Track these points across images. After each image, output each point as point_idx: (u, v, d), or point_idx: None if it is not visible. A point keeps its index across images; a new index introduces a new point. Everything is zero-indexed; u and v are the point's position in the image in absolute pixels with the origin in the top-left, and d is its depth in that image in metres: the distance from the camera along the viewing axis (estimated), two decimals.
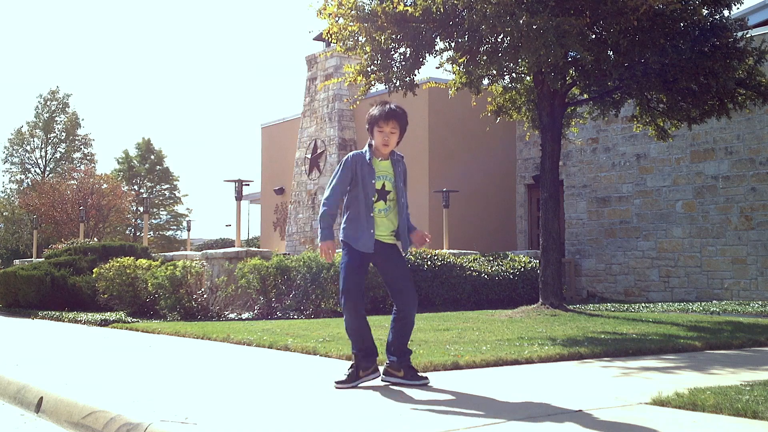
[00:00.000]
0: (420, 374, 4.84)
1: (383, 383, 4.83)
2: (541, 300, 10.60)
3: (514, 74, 11.25)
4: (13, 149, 51.60)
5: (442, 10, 9.31)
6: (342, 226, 4.90)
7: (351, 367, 4.83)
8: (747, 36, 10.39)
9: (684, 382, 4.82)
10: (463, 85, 10.59)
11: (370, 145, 4.99)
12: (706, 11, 9.89)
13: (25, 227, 42.56)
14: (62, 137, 52.53)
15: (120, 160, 53.66)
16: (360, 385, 4.77)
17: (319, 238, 4.78)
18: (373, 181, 4.84)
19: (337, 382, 4.78)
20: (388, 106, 4.94)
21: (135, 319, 11.24)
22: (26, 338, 9.51)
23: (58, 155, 52.57)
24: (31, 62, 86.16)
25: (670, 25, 9.25)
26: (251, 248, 14.82)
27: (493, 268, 14.33)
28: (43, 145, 52.25)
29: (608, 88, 10.60)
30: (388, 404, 4.21)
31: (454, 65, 10.32)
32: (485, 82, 11.25)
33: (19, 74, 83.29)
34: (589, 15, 9.24)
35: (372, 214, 4.82)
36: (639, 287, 17.40)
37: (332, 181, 4.90)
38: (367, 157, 4.90)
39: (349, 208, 4.87)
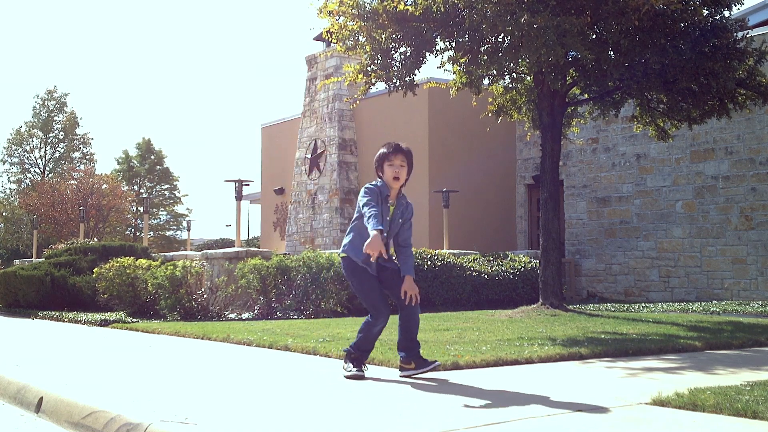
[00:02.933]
0: (429, 360, 5.19)
1: (400, 377, 5.15)
2: (541, 300, 10.60)
3: (514, 74, 11.25)
4: (12, 149, 51.59)
5: (442, 9, 9.30)
6: (346, 243, 5.21)
7: (353, 360, 5.23)
8: (747, 36, 10.39)
9: (684, 382, 4.81)
10: (463, 85, 10.58)
11: (380, 183, 5.19)
12: (707, 11, 9.88)
13: (25, 227, 42.56)
14: (61, 137, 52.52)
15: (120, 160, 53.66)
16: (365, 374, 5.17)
17: (370, 228, 4.83)
18: (387, 218, 5.14)
19: (347, 376, 5.15)
20: (395, 142, 5.23)
21: (135, 319, 11.23)
22: (26, 338, 9.51)
23: (57, 155, 52.56)
24: (29, 62, 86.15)
25: (670, 25, 9.24)
26: (251, 248, 14.82)
27: (493, 268, 14.33)
28: (42, 145, 52.25)
29: (608, 88, 10.60)
30: (388, 404, 4.21)
31: (454, 65, 10.32)
32: (485, 82, 11.25)
33: (16, 74, 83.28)
34: (590, 14, 9.24)
35: None
36: (639, 287, 17.40)
37: (365, 199, 5.05)
38: (385, 194, 5.12)
39: (355, 231, 5.15)
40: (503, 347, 6.46)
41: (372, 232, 4.71)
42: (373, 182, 5.19)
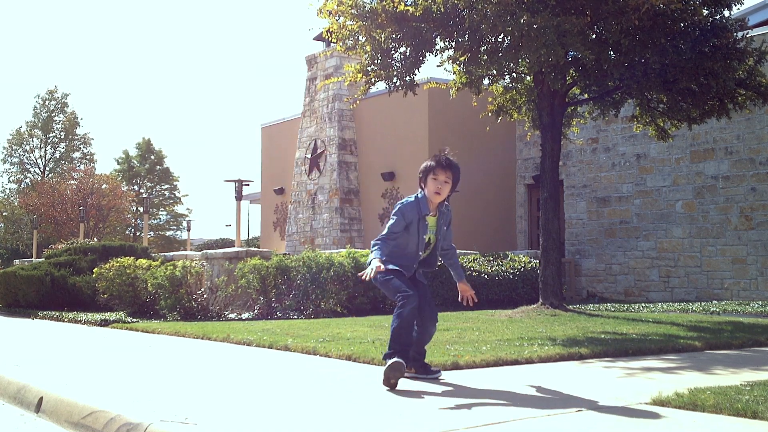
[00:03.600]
0: (432, 368, 5.14)
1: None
2: (541, 300, 10.60)
3: (514, 74, 11.25)
4: (13, 149, 51.62)
5: (442, 9, 9.30)
6: (383, 257, 4.94)
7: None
8: (747, 36, 10.39)
9: (684, 382, 4.81)
10: (463, 85, 10.58)
11: (421, 195, 5.06)
12: (707, 11, 9.88)
13: (25, 227, 42.58)
14: (61, 137, 52.55)
15: (120, 160, 53.68)
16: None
17: (370, 257, 4.87)
18: (425, 237, 5.04)
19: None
20: (445, 156, 5.04)
21: (135, 319, 11.23)
22: (26, 338, 9.51)
23: (57, 155, 52.58)
24: (29, 62, 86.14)
25: (670, 25, 9.24)
26: (251, 248, 14.82)
27: (493, 268, 14.32)
28: (42, 145, 52.27)
29: (608, 88, 10.59)
30: (388, 404, 4.21)
31: (454, 65, 10.32)
32: (485, 82, 11.25)
33: (17, 74, 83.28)
34: (590, 14, 9.24)
35: (416, 259, 5.08)
36: (639, 287, 17.40)
37: (390, 226, 5.00)
38: (424, 213, 5.02)
39: (395, 247, 5.02)
40: (503, 347, 6.46)
41: (374, 261, 4.78)
42: (413, 196, 5.05)
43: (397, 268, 4.90)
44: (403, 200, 5.08)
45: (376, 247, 4.94)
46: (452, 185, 5.03)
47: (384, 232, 5.02)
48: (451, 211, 5.22)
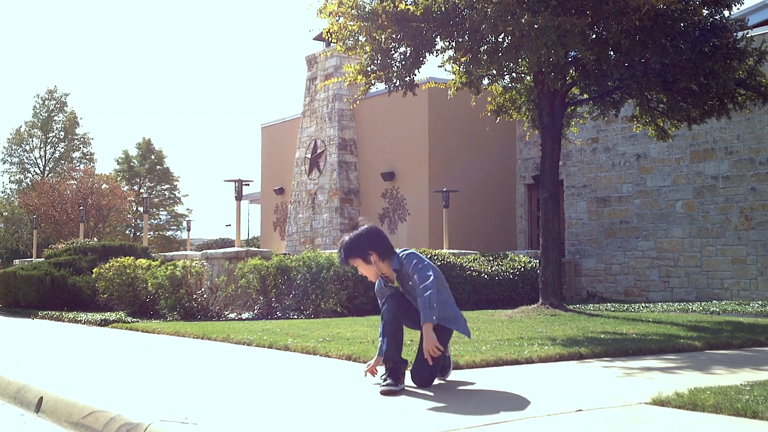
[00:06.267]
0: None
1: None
2: (541, 300, 10.59)
3: (514, 74, 11.25)
4: (12, 149, 51.60)
5: (443, 9, 9.30)
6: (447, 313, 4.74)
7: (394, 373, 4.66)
8: (747, 36, 10.39)
9: (684, 382, 4.81)
10: (463, 85, 10.58)
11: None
12: (707, 11, 9.88)
13: (25, 227, 42.58)
14: (61, 136, 52.52)
15: (120, 160, 53.66)
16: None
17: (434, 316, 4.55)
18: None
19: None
20: (341, 249, 4.74)
21: (135, 319, 11.23)
22: (26, 338, 9.51)
23: (57, 155, 52.55)
24: (29, 62, 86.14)
25: (670, 25, 9.24)
26: (251, 248, 14.82)
27: (493, 268, 14.32)
28: (42, 145, 52.25)
29: (608, 88, 10.59)
30: (388, 404, 4.21)
31: (454, 65, 10.32)
32: (485, 81, 11.25)
33: (16, 74, 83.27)
34: (590, 15, 9.23)
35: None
36: (639, 287, 17.40)
37: (433, 274, 4.63)
38: (387, 287, 4.84)
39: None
40: (503, 347, 6.46)
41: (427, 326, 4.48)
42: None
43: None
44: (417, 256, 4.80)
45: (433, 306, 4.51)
46: (365, 262, 4.69)
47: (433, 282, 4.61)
48: (409, 261, 4.66)
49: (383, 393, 4.45)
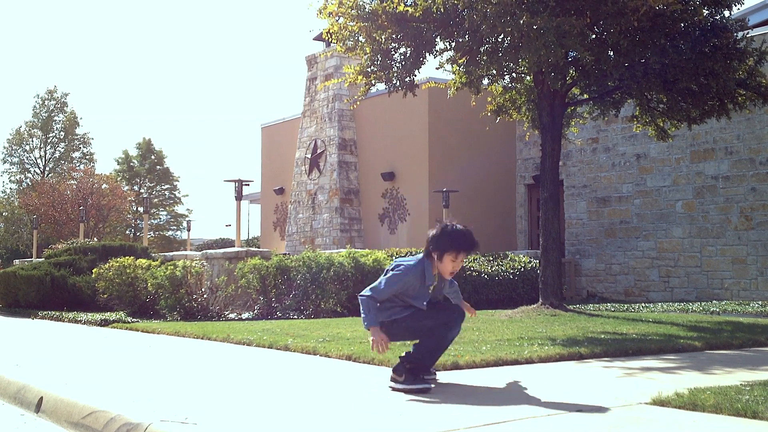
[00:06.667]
0: (425, 377, 4.73)
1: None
2: (541, 300, 10.60)
3: (514, 74, 11.25)
4: (12, 149, 51.59)
5: (442, 9, 9.31)
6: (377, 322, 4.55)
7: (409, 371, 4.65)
8: (747, 36, 10.39)
9: (684, 382, 4.81)
10: (462, 85, 10.58)
11: (427, 264, 4.65)
12: (707, 12, 9.89)
13: (25, 227, 42.57)
14: (61, 136, 52.50)
15: (120, 160, 53.65)
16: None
17: (365, 324, 4.50)
18: (424, 303, 4.67)
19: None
20: (470, 236, 4.69)
21: (135, 319, 11.23)
22: (26, 338, 9.51)
23: (57, 155, 52.54)
24: (29, 62, 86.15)
25: (670, 25, 9.25)
26: (251, 248, 14.82)
27: (493, 268, 14.32)
28: (42, 145, 52.23)
29: (608, 88, 10.60)
30: (389, 403, 4.21)
31: (454, 65, 10.32)
32: (485, 82, 11.25)
33: (16, 74, 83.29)
34: (589, 15, 9.24)
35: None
36: (639, 287, 17.40)
37: (381, 290, 4.56)
38: (427, 283, 4.64)
39: (390, 309, 4.63)
40: (503, 347, 6.46)
41: (369, 329, 4.45)
42: (414, 261, 4.64)
43: (400, 316, 4.60)
44: (404, 263, 4.65)
45: (364, 312, 4.48)
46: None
47: (372, 288, 4.57)
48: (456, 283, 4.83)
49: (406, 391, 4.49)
